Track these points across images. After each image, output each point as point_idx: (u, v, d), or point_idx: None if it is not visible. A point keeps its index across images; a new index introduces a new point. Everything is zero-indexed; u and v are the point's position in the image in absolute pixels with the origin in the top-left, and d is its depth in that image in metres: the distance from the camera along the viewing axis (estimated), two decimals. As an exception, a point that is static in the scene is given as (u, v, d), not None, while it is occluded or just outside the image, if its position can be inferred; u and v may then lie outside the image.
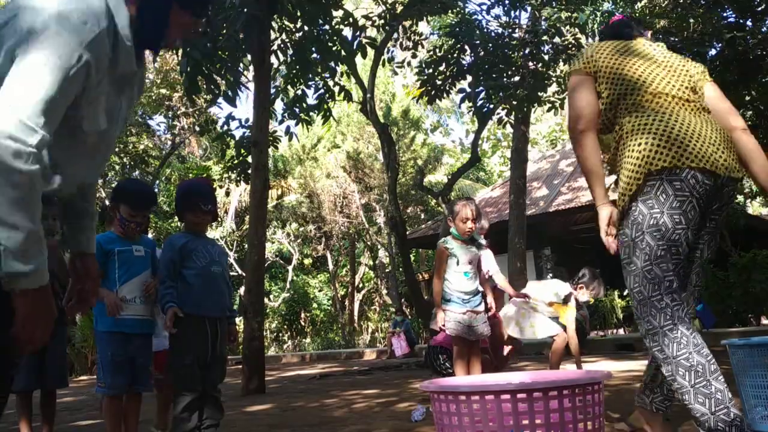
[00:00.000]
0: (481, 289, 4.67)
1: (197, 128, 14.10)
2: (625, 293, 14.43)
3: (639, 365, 7.25)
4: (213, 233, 20.60)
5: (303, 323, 22.63)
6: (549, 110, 11.45)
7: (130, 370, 3.38)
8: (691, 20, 10.20)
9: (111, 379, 3.32)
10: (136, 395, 3.49)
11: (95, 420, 5.24)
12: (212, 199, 3.46)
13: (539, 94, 10.83)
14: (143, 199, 3.54)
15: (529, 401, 1.76)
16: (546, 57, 11.07)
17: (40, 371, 3.84)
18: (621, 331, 13.64)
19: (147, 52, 1.76)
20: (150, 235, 17.17)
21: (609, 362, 7.96)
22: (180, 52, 8.38)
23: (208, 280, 3.31)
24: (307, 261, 25.36)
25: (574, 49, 10.93)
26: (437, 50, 11.24)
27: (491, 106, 11.15)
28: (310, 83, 10.65)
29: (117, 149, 15.44)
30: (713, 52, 10.85)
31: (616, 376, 5.19)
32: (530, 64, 10.98)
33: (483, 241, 4.85)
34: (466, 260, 4.51)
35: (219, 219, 20.67)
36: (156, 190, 21.49)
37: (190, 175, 19.50)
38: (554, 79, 11.05)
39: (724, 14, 10.47)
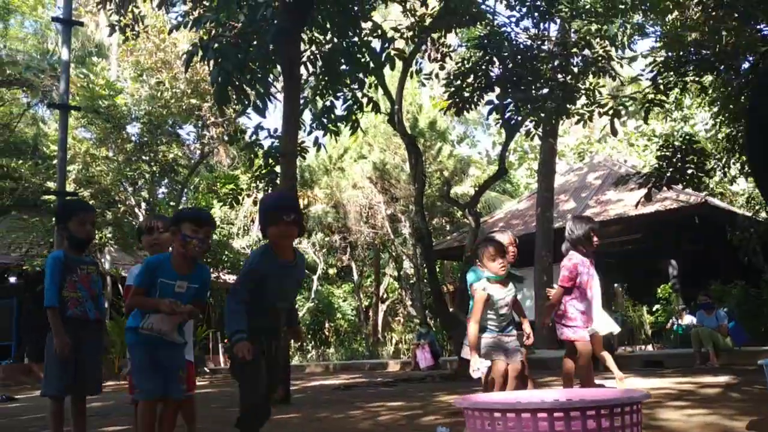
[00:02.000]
0: (516, 318, 4.64)
1: (226, 138, 14.25)
2: (654, 308, 14.27)
3: (668, 383, 7.09)
4: (240, 242, 20.77)
5: (327, 333, 22.65)
6: (577, 122, 11.37)
7: (163, 377, 3.38)
8: (724, 33, 10.08)
9: (146, 384, 3.35)
10: (172, 402, 3.49)
11: (125, 426, 5.25)
12: (295, 208, 3.28)
13: (568, 106, 10.76)
14: (204, 215, 3.55)
15: (566, 420, 1.72)
16: (575, 69, 11.00)
17: (74, 378, 3.87)
18: (650, 347, 13.43)
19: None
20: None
21: (637, 379, 7.83)
22: (212, 62, 8.50)
23: (265, 316, 3.22)
24: (332, 271, 25.40)
25: (604, 61, 10.85)
26: (465, 62, 11.22)
27: (519, 118, 11.09)
28: (338, 94, 10.72)
29: (147, 158, 15.68)
30: (746, 65, 10.73)
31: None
32: (559, 76, 10.93)
33: (517, 273, 4.76)
34: (504, 303, 4.40)
35: (246, 228, 20.83)
36: (185, 199, 21.76)
37: (218, 184, 19.71)
38: (583, 91, 10.98)
39: (759, 26, 10.33)
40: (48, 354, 3.87)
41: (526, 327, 4.64)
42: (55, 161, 11.89)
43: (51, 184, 13.70)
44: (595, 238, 5.10)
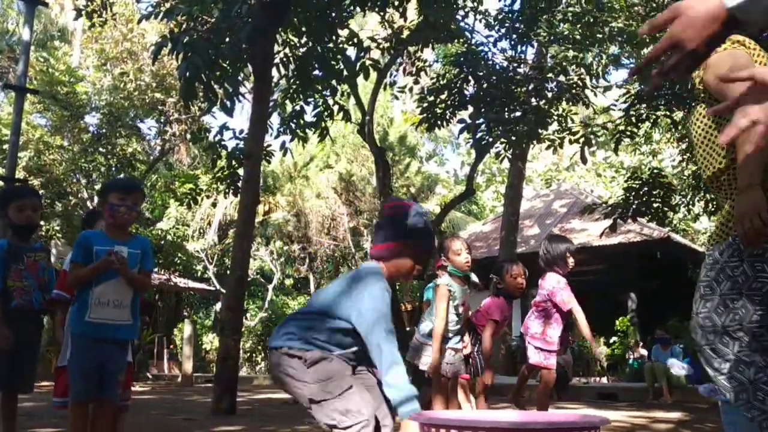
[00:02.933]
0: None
1: (188, 136, 13.83)
2: (611, 340, 14.26)
3: (621, 416, 7.06)
4: (194, 245, 20.21)
5: (280, 345, 22.17)
6: (548, 148, 11.31)
7: (99, 378, 3.18)
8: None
9: (80, 384, 3.18)
10: (106, 404, 3.27)
11: (55, 428, 4.94)
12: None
13: (540, 131, 10.69)
14: (130, 182, 3.61)
15: None
16: (549, 94, 10.96)
17: (9, 373, 3.69)
18: (604, 380, 13.38)
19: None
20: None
21: (590, 410, 7.70)
22: (181, 56, 8.16)
23: None
24: (289, 282, 24.95)
25: (578, 88, 10.83)
26: (440, 78, 11.10)
27: (491, 139, 10.98)
28: (309, 100, 10.47)
29: (104, 150, 15.10)
30: (717, 104, 10.83)
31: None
32: (533, 100, 10.86)
33: (476, 279, 4.64)
34: (460, 301, 4.38)
35: (202, 230, 20.34)
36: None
37: (176, 183, 19.16)
38: (556, 117, 10.93)
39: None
40: None
41: (466, 337, 4.68)
42: (6, 146, 11.33)
43: (1, 170, 13.05)
44: (571, 259, 5.07)
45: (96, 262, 3.20)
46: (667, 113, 10.71)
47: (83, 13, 10.47)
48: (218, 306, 19.52)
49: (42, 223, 13.48)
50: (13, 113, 9.54)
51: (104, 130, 15.32)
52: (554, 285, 5.06)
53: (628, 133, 10.73)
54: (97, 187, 15.88)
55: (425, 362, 4.37)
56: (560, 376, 10.47)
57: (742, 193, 1.90)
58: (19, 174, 13.91)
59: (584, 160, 10.98)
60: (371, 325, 2.25)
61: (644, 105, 10.32)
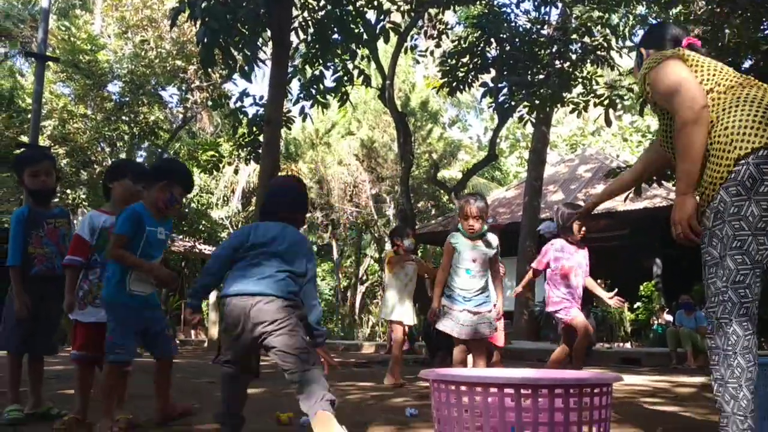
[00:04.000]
0: (490, 289, 4.51)
1: (210, 103, 13.82)
2: (635, 306, 14.13)
3: (644, 380, 7.00)
4: (218, 212, 20.35)
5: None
6: (572, 111, 11.10)
7: (146, 340, 3.37)
8: (727, 30, 9.85)
9: (125, 346, 3.24)
10: (165, 361, 3.44)
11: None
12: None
13: (564, 94, 10.50)
14: (192, 181, 3.62)
15: (534, 397, 1.66)
16: (574, 56, 10.73)
17: (32, 336, 3.77)
18: (628, 345, 13.31)
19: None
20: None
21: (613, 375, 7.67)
22: (199, 22, 8.10)
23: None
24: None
25: (603, 50, 10.58)
26: (462, 41, 10.90)
27: (513, 103, 10.83)
28: (329, 64, 10.37)
29: (127, 119, 15.16)
30: (747, 63, 10.51)
31: (620, 388, 4.95)
32: (557, 62, 10.65)
33: (494, 241, 4.60)
34: (469, 257, 4.39)
35: (225, 198, 20.46)
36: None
37: (199, 151, 19.23)
38: (580, 79, 10.70)
39: (762, 27, 10.10)
40: (7, 310, 3.79)
41: (498, 301, 4.65)
42: (30, 115, 11.43)
43: (25, 138, 13.19)
44: (576, 228, 5.12)
45: (152, 265, 3.32)
46: (695, 74, 10.42)
47: (102, -21, 10.45)
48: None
49: (68, 191, 13.68)
50: (35, 82, 9.63)
51: (127, 99, 15.37)
52: (546, 247, 5.26)
53: (655, 94, 10.47)
54: (122, 155, 16.03)
55: (443, 324, 4.39)
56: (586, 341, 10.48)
57: (677, 202, 2.26)
58: (44, 142, 14.07)
59: (609, 123, 10.78)
60: None
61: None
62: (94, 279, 3.51)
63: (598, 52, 10.49)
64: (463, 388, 1.73)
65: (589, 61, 10.64)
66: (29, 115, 11.87)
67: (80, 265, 3.50)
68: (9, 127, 17.97)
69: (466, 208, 4.38)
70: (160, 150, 16.83)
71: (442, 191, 17.93)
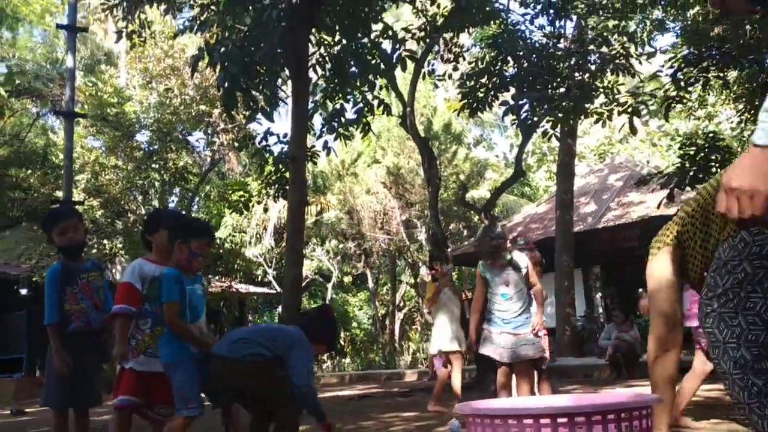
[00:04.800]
0: (532, 311, 4.49)
1: (236, 144, 14.05)
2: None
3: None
4: (252, 250, 20.52)
5: (342, 342, 22.34)
6: (596, 122, 11.01)
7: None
8: (748, 27, 9.72)
9: (198, 399, 3.34)
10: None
11: None
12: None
13: (586, 105, 10.43)
14: (211, 233, 3.72)
15: (571, 426, 1.61)
16: (593, 67, 10.67)
17: (74, 390, 3.81)
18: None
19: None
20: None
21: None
22: (218, 67, 8.28)
23: None
24: (347, 279, 25.13)
25: (622, 58, 10.51)
26: (479, 62, 10.93)
27: (536, 118, 10.78)
28: (348, 97, 10.47)
29: (157, 166, 15.47)
30: (771, 59, 10.34)
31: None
32: (576, 74, 10.60)
33: (523, 262, 4.60)
34: (501, 282, 4.50)
35: (258, 236, 20.65)
36: (196, 207, 21.56)
37: (229, 191, 19.47)
38: (601, 90, 10.63)
39: (783, 20, 9.94)
40: (49, 366, 3.84)
41: (535, 318, 4.61)
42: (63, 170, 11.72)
43: (60, 194, 13.52)
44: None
45: (197, 339, 3.42)
46: (719, 74, 10.28)
47: (124, 34, 10.73)
48: (280, 308, 19.78)
49: (104, 241, 13.95)
50: (65, 138, 9.91)
51: (155, 146, 15.70)
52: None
53: (678, 98, 10.34)
54: (154, 202, 16.32)
55: (484, 348, 4.41)
56: (629, 354, 10.24)
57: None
58: (78, 196, 14.39)
59: (634, 131, 10.67)
60: None
61: (693, 68, 9.93)
62: (146, 329, 3.55)
63: (617, 61, 10.42)
64: (497, 421, 1.70)
65: (608, 70, 10.56)
66: (62, 171, 12.18)
67: (132, 314, 3.55)
68: (44, 184, 18.44)
69: (480, 247, 4.54)
70: (191, 194, 17.11)
71: (472, 212, 17.85)
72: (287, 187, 9.68)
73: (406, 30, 10.93)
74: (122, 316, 3.53)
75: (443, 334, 6.31)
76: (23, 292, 14.86)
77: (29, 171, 18.98)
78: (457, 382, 6.13)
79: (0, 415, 10.28)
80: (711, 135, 11.01)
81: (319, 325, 3.68)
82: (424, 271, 21.86)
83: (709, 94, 14.79)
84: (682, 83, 10.09)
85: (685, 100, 10.75)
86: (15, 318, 16.54)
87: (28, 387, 14.63)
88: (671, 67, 9.99)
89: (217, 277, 18.14)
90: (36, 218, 17.59)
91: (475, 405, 1.89)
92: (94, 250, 13.80)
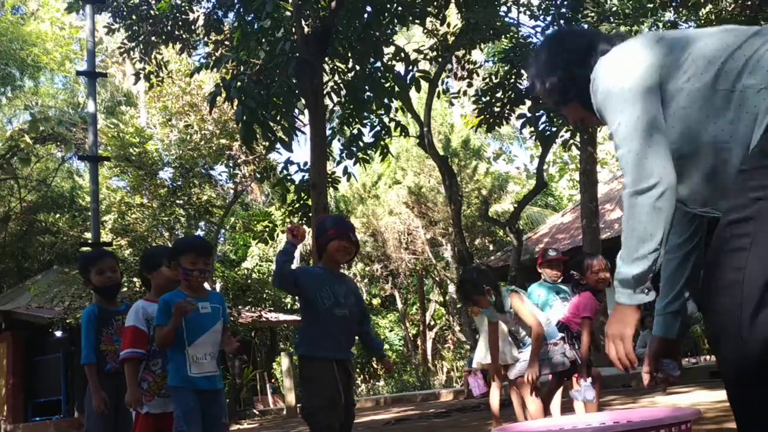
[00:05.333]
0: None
1: (257, 175, 14.17)
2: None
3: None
4: (280, 279, 20.56)
5: (375, 366, 22.24)
6: (615, 128, 10.94)
7: (204, 426, 3.32)
8: (763, 23, 9.65)
9: (189, 430, 3.24)
10: None
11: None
12: (354, 231, 3.55)
13: (604, 112, 10.37)
14: (201, 245, 3.54)
15: None
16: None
17: (114, 429, 3.86)
18: (713, 357, 12.72)
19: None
20: (218, 286, 17.30)
21: (703, 392, 7.30)
22: (235, 101, 8.40)
23: (328, 322, 3.32)
24: (376, 301, 25.08)
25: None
26: (493, 77, 10.97)
27: (554, 129, 10.76)
28: (365, 121, 10.55)
29: (181, 202, 15.66)
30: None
31: (714, 407, 4.70)
32: (592, 82, 10.56)
33: (505, 303, 4.63)
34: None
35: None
36: (222, 239, 21.72)
37: (254, 222, 19.60)
38: (619, 95, 10.57)
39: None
40: (88, 406, 3.88)
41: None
42: (90, 212, 11.89)
43: (88, 236, 13.72)
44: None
45: (173, 318, 3.27)
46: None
47: (141, 75, 10.96)
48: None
49: (134, 280, 14.09)
50: (90, 182, 10.08)
51: (179, 183, 15.89)
52: None
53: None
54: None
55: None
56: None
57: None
58: (106, 237, 14.59)
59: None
60: None
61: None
62: (157, 370, 3.53)
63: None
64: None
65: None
66: (90, 213, 12.37)
67: (142, 356, 3.53)
68: (73, 227, 18.78)
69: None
70: (216, 227, 17.26)
71: (496, 226, 17.77)
72: (310, 215, 9.75)
73: (418, 51, 11.00)
74: (131, 360, 3.49)
75: (481, 348, 6.20)
76: (58, 334, 15.05)
77: (57, 215, 19.40)
78: (495, 400, 6.02)
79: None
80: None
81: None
82: (452, 288, 21.77)
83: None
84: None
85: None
86: (51, 361, 16.77)
87: (67, 428, 14.78)
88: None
89: (246, 308, 18.22)
90: (67, 261, 17.88)
91: (511, 428, 1.87)
92: (125, 289, 13.95)
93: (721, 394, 6.44)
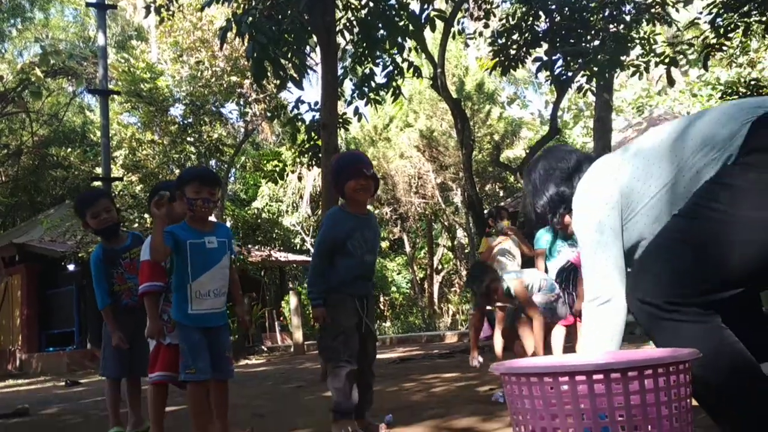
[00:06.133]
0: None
1: (268, 114, 14.06)
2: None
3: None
4: (289, 219, 20.70)
5: (382, 307, 22.55)
6: (633, 75, 10.74)
7: (210, 359, 3.36)
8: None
9: (198, 364, 3.28)
10: (221, 383, 3.45)
11: (177, 406, 5.21)
12: (371, 165, 3.48)
13: (621, 58, 10.16)
14: (206, 174, 3.48)
15: (607, 382, 1.62)
16: (627, 18, 10.35)
17: (129, 361, 3.99)
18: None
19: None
20: (228, 224, 17.41)
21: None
22: (246, 38, 8.25)
23: (359, 270, 3.37)
24: (384, 244, 25.22)
25: (658, 7, 10.17)
26: (510, 18, 10.70)
27: (570, 73, 10.57)
28: (378, 61, 10.37)
29: (191, 139, 15.64)
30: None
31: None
32: (611, 26, 10.30)
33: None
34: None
35: (295, 204, 20.82)
36: (232, 178, 21.75)
37: (265, 161, 19.61)
38: (637, 41, 10.33)
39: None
40: (105, 338, 4.01)
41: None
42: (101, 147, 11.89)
43: (99, 170, 13.78)
44: None
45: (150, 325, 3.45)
46: (761, 19, 9.88)
47: (152, 9, 10.75)
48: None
49: (145, 215, 14.21)
50: (101, 116, 10.08)
51: (189, 120, 15.84)
52: None
53: (718, 46, 9.99)
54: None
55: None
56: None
57: None
58: (117, 172, 14.65)
59: (671, 83, 10.36)
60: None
61: (733, 13, 9.56)
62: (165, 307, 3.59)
63: (653, 10, 10.09)
64: (533, 379, 1.70)
65: (644, 20, 10.24)
66: (101, 148, 12.41)
67: (161, 289, 3.55)
68: (84, 162, 18.83)
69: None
70: (226, 165, 17.26)
71: (507, 172, 17.67)
72: (320, 155, 9.70)
73: (434, -11, 10.72)
74: (150, 294, 3.51)
75: None
76: (71, 268, 15.28)
77: (69, 149, 19.41)
78: (498, 344, 6.11)
79: (56, 386, 10.68)
80: (753, 82, 10.67)
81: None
82: (461, 233, 21.83)
83: (751, 40, 14.26)
84: (722, 30, 9.74)
85: (725, 48, 10.36)
86: (64, 293, 17.08)
87: (80, 359, 15.16)
88: (710, 13, 9.64)
89: (256, 247, 18.38)
90: (78, 195, 18.00)
91: (510, 364, 1.89)
92: (136, 225, 14.09)
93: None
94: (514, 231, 6.74)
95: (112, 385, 4.04)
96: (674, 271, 1.97)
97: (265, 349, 16.70)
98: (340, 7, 9.41)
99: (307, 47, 9.65)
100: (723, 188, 1.92)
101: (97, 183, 13.81)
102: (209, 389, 3.41)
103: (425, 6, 9.99)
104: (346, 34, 9.74)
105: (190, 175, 3.39)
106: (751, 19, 9.74)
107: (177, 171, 15.83)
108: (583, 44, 10.12)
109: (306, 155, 10.78)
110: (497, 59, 10.75)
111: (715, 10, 9.49)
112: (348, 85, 11.31)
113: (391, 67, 10.31)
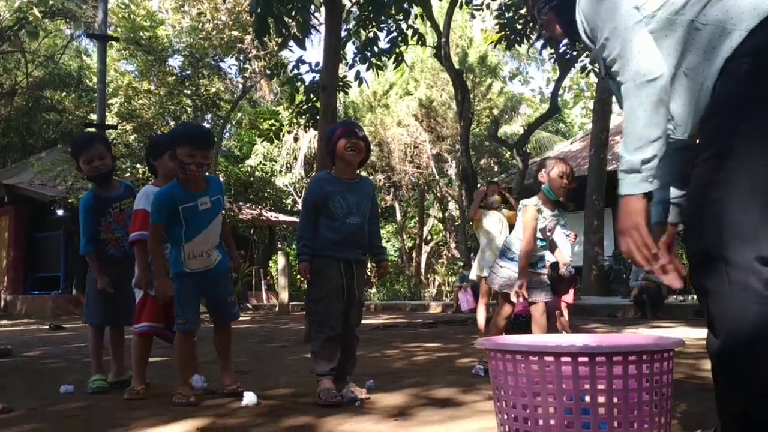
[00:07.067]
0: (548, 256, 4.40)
1: (268, 72, 13.90)
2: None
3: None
4: (282, 179, 20.61)
5: (369, 273, 22.60)
6: (637, 57, 10.65)
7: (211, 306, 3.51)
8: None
9: (188, 315, 3.35)
10: (224, 326, 3.59)
11: (163, 357, 5.25)
12: (362, 129, 3.46)
13: (628, 39, 10.06)
14: (200, 137, 3.32)
15: (591, 366, 1.63)
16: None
17: (113, 309, 3.95)
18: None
19: None
20: (222, 178, 17.32)
21: (686, 329, 7.45)
22: (250, -9, 8.10)
23: (343, 232, 3.30)
24: (376, 211, 25.25)
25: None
26: (519, -8, 10.57)
27: (575, 53, 10.48)
28: (382, 26, 10.23)
29: (189, 92, 15.47)
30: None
31: (694, 343, 4.79)
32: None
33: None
34: (549, 227, 4.20)
35: (288, 165, 20.72)
36: (227, 134, 21.59)
37: (261, 119, 19.44)
38: (645, 23, 10.23)
39: None
40: (89, 285, 3.98)
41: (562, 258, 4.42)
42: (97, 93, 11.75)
43: (94, 117, 13.63)
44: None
45: (161, 281, 3.36)
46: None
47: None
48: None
49: (138, 166, 14.11)
50: (98, 61, 9.91)
51: (188, 72, 15.65)
52: None
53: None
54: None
55: (492, 281, 4.37)
56: (655, 295, 10.21)
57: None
58: (112, 119, 14.49)
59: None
60: None
61: None
62: (165, 253, 3.53)
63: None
64: (519, 357, 1.71)
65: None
66: (97, 94, 12.25)
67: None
68: (79, 107, 18.61)
69: (557, 167, 4.06)
70: (222, 121, 17.11)
71: (503, 148, 17.63)
72: (318, 117, 9.62)
73: (444, -44, 10.56)
74: (140, 242, 3.48)
75: (476, 261, 6.23)
76: (60, 212, 15.20)
77: (64, 93, 19.12)
78: (481, 317, 6.11)
79: (40, 329, 10.70)
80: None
81: None
82: (452, 205, 21.85)
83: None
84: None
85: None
86: (52, 237, 17.04)
87: (65, 304, 15.18)
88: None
89: (247, 205, 18.32)
90: (70, 140, 17.82)
91: (496, 340, 1.89)
92: (128, 174, 13.99)
93: (702, 332, 6.58)
94: (500, 188, 6.60)
95: (95, 333, 4.03)
96: None
97: (251, 307, 16.77)
98: (348, -33, 9.25)
99: (312, 6, 9.50)
100: None
101: (90, 129, 13.67)
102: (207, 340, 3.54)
103: (434, -27, 9.85)
104: (353, -5, 9.59)
105: (183, 138, 3.27)
106: None
107: (172, 123, 15.70)
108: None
109: (303, 116, 10.68)
110: (503, 33, 10.65)
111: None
112: (350, 48, 11.18)
113: (395, 33, 10.18)
